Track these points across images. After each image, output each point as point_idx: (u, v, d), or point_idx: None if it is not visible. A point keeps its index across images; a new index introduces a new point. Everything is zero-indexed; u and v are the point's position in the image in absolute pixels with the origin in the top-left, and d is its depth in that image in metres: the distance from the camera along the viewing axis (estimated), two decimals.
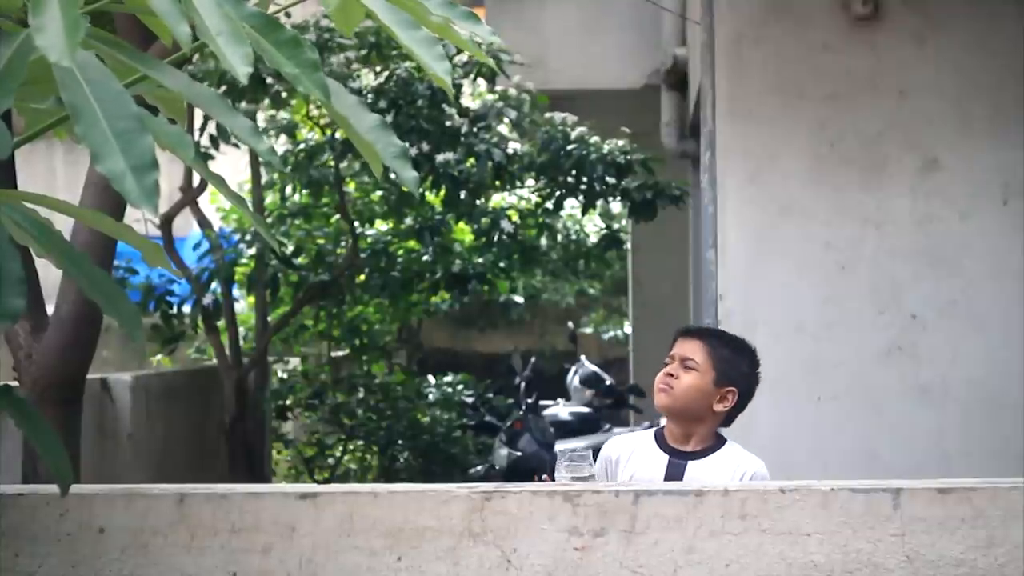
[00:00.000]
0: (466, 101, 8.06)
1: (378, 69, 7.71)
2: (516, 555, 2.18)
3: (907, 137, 5.52)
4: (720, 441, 3.26)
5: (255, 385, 8.67)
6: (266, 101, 7.70)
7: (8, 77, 1.68)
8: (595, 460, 3.08)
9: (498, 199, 9.40)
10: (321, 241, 8.96)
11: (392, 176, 7.69)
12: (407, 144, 2.07)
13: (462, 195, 7.99)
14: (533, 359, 10.32)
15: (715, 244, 5.56)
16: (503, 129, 8.05)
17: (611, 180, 7.97)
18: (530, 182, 8.50)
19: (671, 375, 3.24)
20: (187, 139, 1.81)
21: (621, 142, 8.12)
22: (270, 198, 9.36)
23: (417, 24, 1.87)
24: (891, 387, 5.47)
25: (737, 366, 3.27)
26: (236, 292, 9.14)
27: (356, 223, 8.80)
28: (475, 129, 7.70)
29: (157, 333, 8.56)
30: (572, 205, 9.20)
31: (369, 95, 7.34)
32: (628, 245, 12.00)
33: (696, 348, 3.26)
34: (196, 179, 8.38)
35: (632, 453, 3.24)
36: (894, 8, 5.53)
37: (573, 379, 10.57)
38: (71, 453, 4.17)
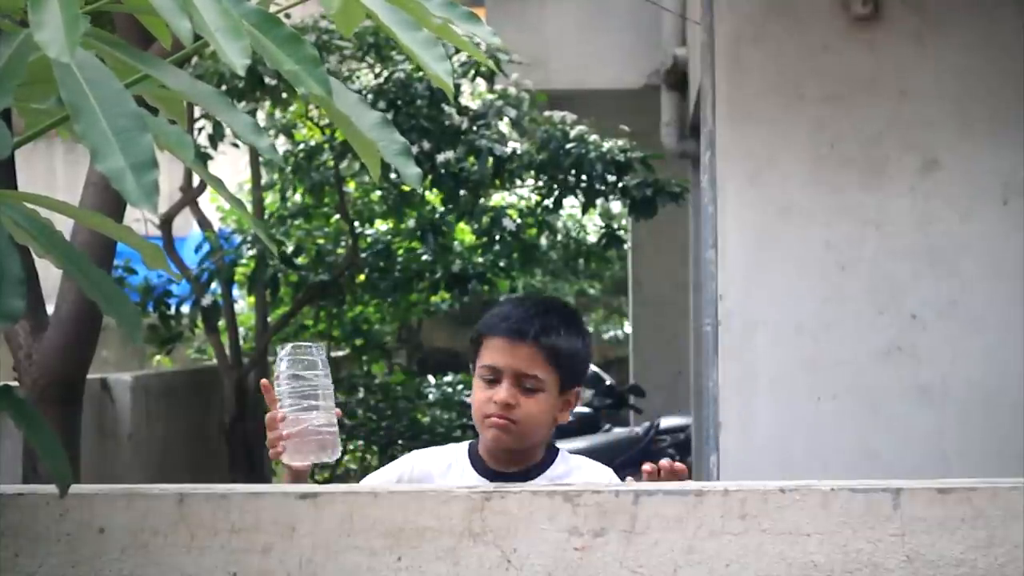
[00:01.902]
0: (465, 100, 8.07)
1: (377, 70, 7.72)
2: (516, 555, 2.18)
3: (907, 137, 5.52)
4: (551, 453, 2.70)
5: (255, 385, 8.66)
6: (267, 103, 7.71)
7: (8, 76, 1.68)
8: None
9: (498, 198, 9.41)
10: (321, 241, 8.97)
11: (393, 176, 7.71)
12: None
13: (462, 194, 7.99)
14: None
15: (715, 244, 5.56)
16: (503, 127, 8.05)
17: (611, 178, 7.98)
18: (529, 181, 8.50)
19: (509, 404, 2.57)
20: (187, 139, 1.81)
21: (621, 141, 8.13)
22: (270, 198, 9.37)
23: (418, 25, 1.87)
24: (891, 387, 5.47)
25: (580, 355, 2.65)
26: (236, 292, 9.14)
27: (356, 223, 8.81)
28: (475, 127, 7.71)
29: (155, 333, 8.56)
30: (572, 204, 9.20)
31: (368, 95, 7.35)
32: (628, 245, 12.00)
33: (535, 359, 2.58)
34: (196, 179, 8.39)
35: (447, 470, 2.69)
36: (894, 8, 5.53)
37: None
38: (71, 453, 4.18)
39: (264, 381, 2.53)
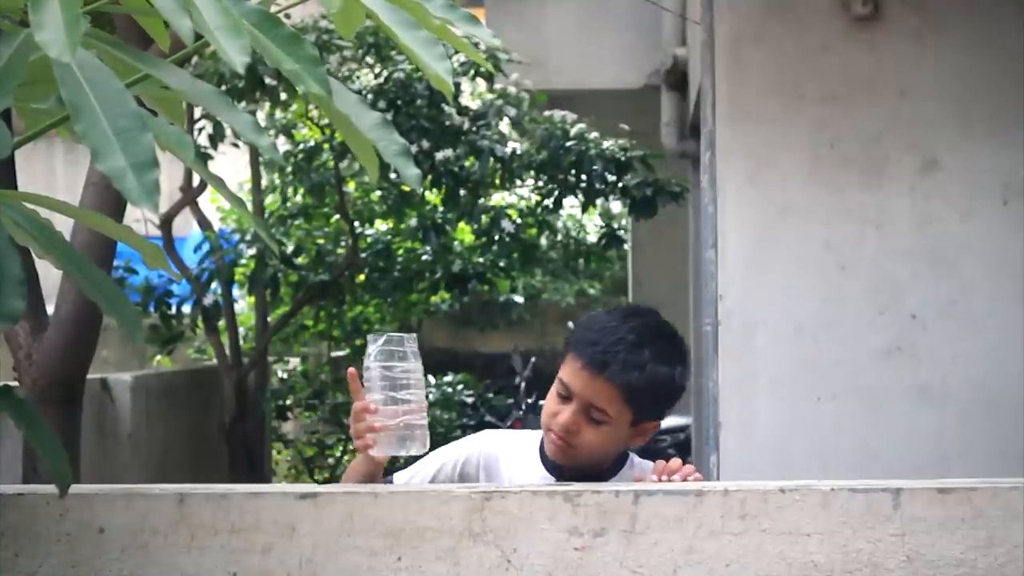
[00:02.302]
0: (465, 100, 8.07)
1: (377, 70, 7.72)
2: (516, 555, 2.18)
3: (907, 137, 5.52)
4: (621, 458, 2.63)
5: (255, 385, 8.67)
6: (267, 103, 7.71)
7: (8, 76, 1.68)
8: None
9: (498, 198, 9.41)
10: (321, 241, 8.97)
11: (393, 176, 7.71)
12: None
13: (462, 194, 7.99)
14: (533, 359, 10.33)
15: (715, 244, 5.56)
16: (503, 127, 8.05)
17: (611, 177, 7.98)
18: (529, 181, 8.50)
19: (570, 430, 2.48)
20: (187, 139, 1.81)
21: (621, 140, 8.13)
22: (270, 198, 9.37)
23: (418, 25, 1.87)
24: (891, 387, 5.47)
25: (665, 390, 2.53)
26: (236, 292, 9.15)
27: (356, 223, 8.81)
28: (475, 127, 7.71)
29: (155, 333, 8.57)
30: (572, 204, 9.20)
31: (368, 95, 7.35)
32: (628, 245, 12.00)
33: (609, 396, 2.47)
34: (196, 179, 8.39)
35: (515, 457, 2.63)
36: (894, 8, 5.53)
37: None
38: (71, 453, 4.18)
39: (352, 370, 2.44)
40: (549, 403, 2.55)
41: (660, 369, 2.49)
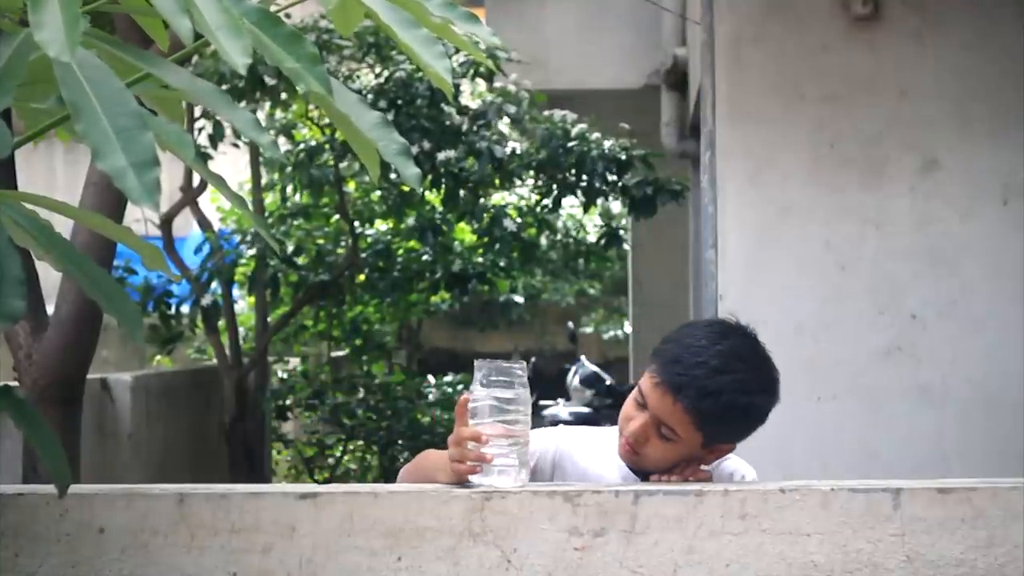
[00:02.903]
0: (465, 100, 8.07)
1: (377, 70, 7.72)
2: (516, 555, 2.18)
3: (907, 137, 5.52)
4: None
5: (255, 385, 8.67)
6: (267, 104, 7.71)
7: (8, 76, 1.68)
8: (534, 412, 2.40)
9: (498, 198, 9.41)
10: (321, 241, 8.97)
11: (393, 176, 7.71)
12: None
13: (462, 193, 7.99)
14: (533, 359, 10.33)
15: (715, 244, 5.56)
16: (503, 127, 8.05)
17: (611, 177, 7.97)
18: (529, 180, 8.50)
19: (638, 439, 2.46)
20: (187, 138, 1.81)
21: (621, 140, 8.13)
22: (270, 198, 9.37)
23: (417, 23, 1.87)
24: (891, 387, 5.47)
25: (742, 418, 2.47)
26: (236, 292, 9.15)
27: (356, 223, 8.81)
28: (475, 127, 7.71)
29: (155, 333, 8.57)
30: (572, 204, 9.20)
31: (369, 95, 7.35)
32: (628, 245, 12.01)
33: (681, 418, 2.43)
34: (196, 179, 8.39)
35: (590, 452, 2.61)
36: (894, 8, 5.53)
37: (573, 379, 10.58)
38: (71, 453, 4.17)
39: (464, 397, 2.35)
40: (627, 406, 2.52)
41: (738, 399, 2.42)
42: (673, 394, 2.42)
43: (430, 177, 7.67)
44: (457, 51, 7.31)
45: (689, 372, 2.42)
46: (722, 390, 2.41)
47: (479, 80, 8.02)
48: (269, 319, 9.04)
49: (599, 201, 8.45)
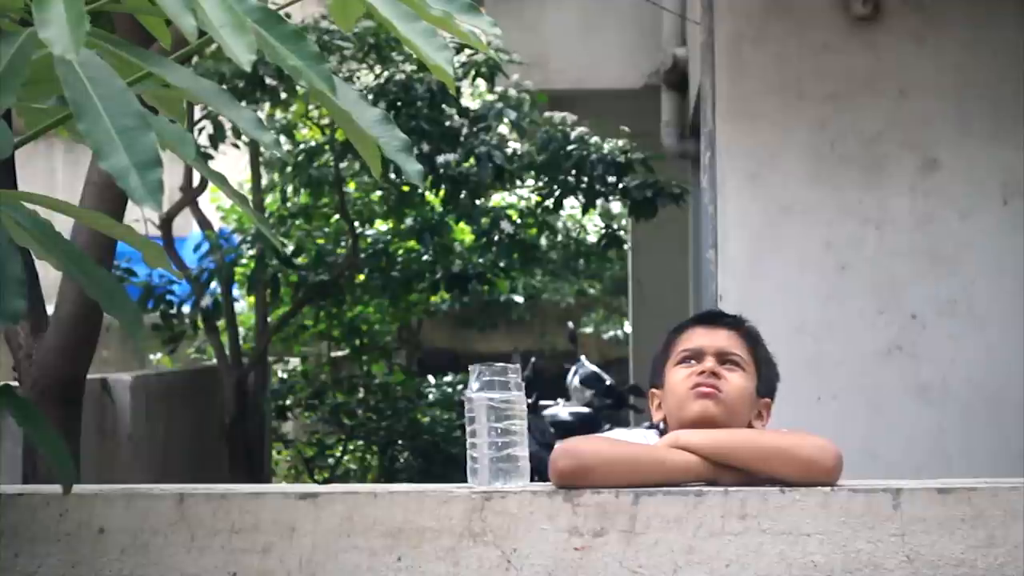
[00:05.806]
0: (465, 101, 8.07)
1: (378, 71, 7.72)
2: (516, 555, 2.18)
3: (907, 137, 5.52)
4: None
5: (255, 385, 8.67)
6: (267, 104, 7.71)
7: (10, 76, 1.68)
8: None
9: (498, 199, 9.41)
10: (321, 241, 8.97)
11: (393, 176, 7.72)
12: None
13: (462, 195, 8.00)
14: (533, 359, 10.31)
15: (715, 244, 5.56)
16: (503, 129, 8.05)
17: (611, 179, 7.98)
18: (530, 182, 8.51)
19: (716, 375, 2.50)
20: (188, 138, 1.81)
21: (621, 142, 8.13)
22: (270, 198, 9.37)
23: (416, 16, 1.86)
24: (891, 387, 5.47)
25: (772, 362, 2.65)
26: (236, 292, 9.15)
27: (356, 223, 8.80)
28: (475, 130, 7.71)
29: (157, 333, 8.56)
30: (572, 205, 9.20)
31: (369, 96, 7.35)
32: (628, 245, 12.00)
33: (734, 340, 2.58)
34: (196, 179, 8.39)
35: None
36: (894, 8, 5.53)
37: (573, 379, 10.56)
38: (71, 453, 4.17)
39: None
40: (677, 377, 2.54)
41: (761, 341, 2.65)
42: (717, 324, 2.63)
43: (430, 179, 7.67)
44: (458, 52, 7.32)
45: (713, 311, 2.76)
46: (744, 320, 2.68)
47: (480, 81, 8.02)
48: (269, 319, 9.03)
49: (599, 202, 8.46)
